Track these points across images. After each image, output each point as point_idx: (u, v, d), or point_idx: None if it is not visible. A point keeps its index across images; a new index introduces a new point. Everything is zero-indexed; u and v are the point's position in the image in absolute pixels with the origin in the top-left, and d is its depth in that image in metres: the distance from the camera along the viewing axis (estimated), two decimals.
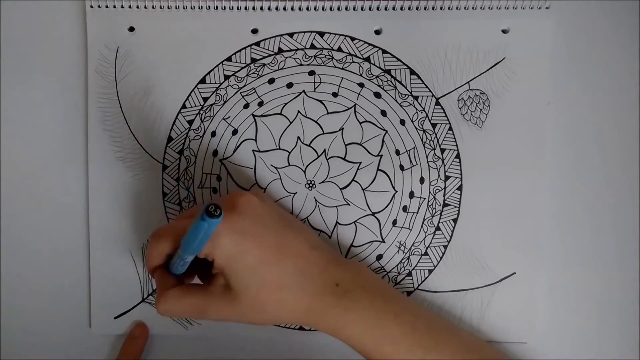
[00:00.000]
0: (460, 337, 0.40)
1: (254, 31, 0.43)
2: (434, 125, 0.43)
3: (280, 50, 0.43)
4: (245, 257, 0.36)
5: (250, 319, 0.38)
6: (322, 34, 0.43)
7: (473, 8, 0.43)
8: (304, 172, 0.43)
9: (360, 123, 0.43)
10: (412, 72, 0.43)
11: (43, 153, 0.43)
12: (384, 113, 0.43)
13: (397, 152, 0.43)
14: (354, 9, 0.43)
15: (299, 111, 0.43)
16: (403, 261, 0.43)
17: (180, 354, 0.44)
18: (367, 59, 0.43)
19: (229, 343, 0.44)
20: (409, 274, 0.44)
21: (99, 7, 0.42)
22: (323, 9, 0.43)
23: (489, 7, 0.43)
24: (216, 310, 0.37)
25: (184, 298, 0.37)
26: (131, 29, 0.43)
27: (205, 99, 0.43)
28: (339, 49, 0.43)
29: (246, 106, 0.43)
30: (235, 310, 0.37)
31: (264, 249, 0.36)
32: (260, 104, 0.43)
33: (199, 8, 0.42)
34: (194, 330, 0.44)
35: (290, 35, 0.43)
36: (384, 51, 0.43)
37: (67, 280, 0.44)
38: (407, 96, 0.43)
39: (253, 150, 0.43)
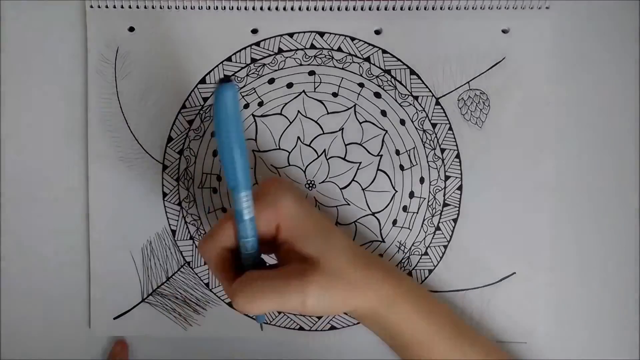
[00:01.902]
0: (483, 342, 0.40)
1: (254, 31, 0.43)
2: (434, 125, 0.43)
3: (280, 50, 0.43)
4: (311, 217, 0.35)
5: (333, 286, 0.34)
6: (322, 34, 0.43)
7: (473, 8, 0.43)
8: (304, 172, 0.43)
9: (360, 123, 0.43)
10: (412, 72, 0.43)
11: (43, 153, 0.43)
12: (384, 113, 0.43)
13: (397, 152, 0.43)
14: (354, 9, 0.43)
15: (299, 111, 0.43)
16: (403, 261, 0.43)
17: (180, 354, 0.44)
18: (367, 59, 0.43)
19: (229, 343, 0.44)
20: (409, 274, 0.44)
21: (99, 7, 0.42)
22: (323, 9, 0.43)
23: (489, 7, 0.43)
24: (297, 288, 0.33)
25: (259, 282, 0.33)
26: (131, 29, 0.43)
27: (205, 99, 0.43)
28: (339, 49, 0.43)
29: (246, 106, 0.43)
30: (318, 279, 0.33)
31: (324, 217, 0.36)
32: (260, 104, 0.43)
33: (199, 8, 0.42)
34: (194, 330, 0.44)
35: (290, 35, 0.43)
36: (384, 51, 0.43)
37: (67, 281, 0.44)
38: (407, 96, 0.43)
39: (253, 150, 0.43)
